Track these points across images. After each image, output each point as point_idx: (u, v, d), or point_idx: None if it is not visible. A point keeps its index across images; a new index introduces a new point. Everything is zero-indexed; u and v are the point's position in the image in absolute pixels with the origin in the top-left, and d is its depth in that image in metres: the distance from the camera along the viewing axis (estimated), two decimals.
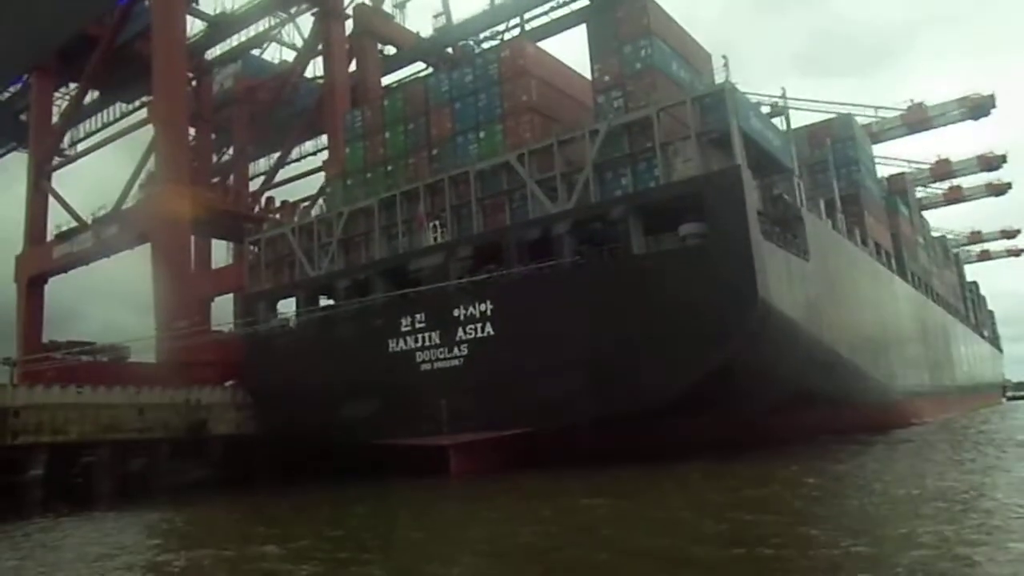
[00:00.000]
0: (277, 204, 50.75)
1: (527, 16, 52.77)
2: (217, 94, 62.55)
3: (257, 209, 48.95)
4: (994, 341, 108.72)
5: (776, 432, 27.34)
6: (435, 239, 31.85)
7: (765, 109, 32.21)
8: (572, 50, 35.47)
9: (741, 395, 25.21)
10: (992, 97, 69.62)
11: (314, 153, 68.61)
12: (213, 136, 64.57)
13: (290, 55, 60.45)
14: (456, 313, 29.48)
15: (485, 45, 55.41)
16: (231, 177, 59.96)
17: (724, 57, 27.33)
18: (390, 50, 57.59)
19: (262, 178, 65.00)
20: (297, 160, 68.49)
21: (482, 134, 31.84)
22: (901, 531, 11.83)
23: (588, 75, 31.90)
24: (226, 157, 67.50)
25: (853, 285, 36.74)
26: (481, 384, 28.11)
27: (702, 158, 25.85)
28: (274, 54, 64.30)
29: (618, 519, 14.96)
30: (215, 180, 57.17)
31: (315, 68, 57.22)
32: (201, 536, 18.35)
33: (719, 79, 28.22)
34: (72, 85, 56.23)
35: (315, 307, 35.85)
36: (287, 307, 38.40)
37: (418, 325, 30.72)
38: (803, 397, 28.85)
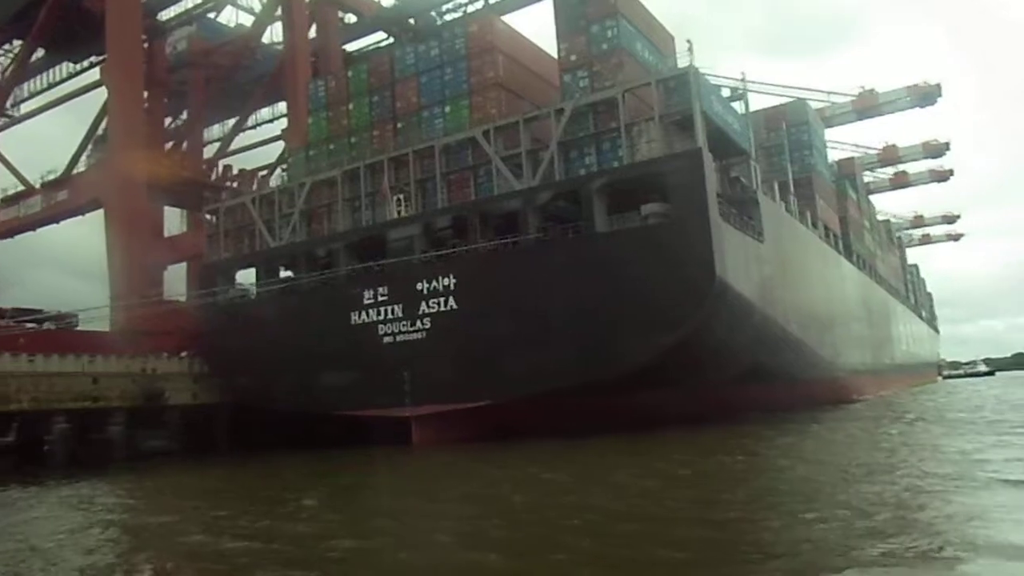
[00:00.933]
0: (234, 172, 49.98)
1: None
2: (170, 56, 60.84)
3: (214, 177, 48.17)
4: (931, 322, 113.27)
5: (731, 405, 28.43)
6: (399, 212, 31.97)
7: (725, 92, 32.96)
8: (538, 26, 35.65)
9: (698, 369, 26.15)
10: (939, 87, 71.99)
11: (271, 121, 67.43)
12: (165, 100, 62.85)
13: (246, 19, 59.07)
14: (419, 287, 29.74)
15: (448, 16, 55.14)
16: (184, 143, 58.56)
17: (688, 41, 27.91)
18: (350, 18, 56.81)
19: (216, 144, 63.86)
20: (253, 127, 67.27)
21: (448, 108, 31.90)
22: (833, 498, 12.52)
23: (554, 54, 32.12)
24: (177, 122, 66.07)
25: (803, 266, 38.08)
26: (443, 357, 28.52)
27: (665, 139, 26.50)
28: (230, 17, 62.76)
29: (566, 491, 15.37)
30: (169, 145, 55.74)
31: (272, 34, 56.29)
32: (143, 507, 18.32)
33: (682, 62, 28.81)
34: (16, 42, 54.14)
35: (278, 278, 35.69)
36: (246, 277, 38.24)
37: (381, 298, 30.89)
38: (755, 372, 30.00)
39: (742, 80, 34.74)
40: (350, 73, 36.40)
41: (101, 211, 42.25)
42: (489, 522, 12.42)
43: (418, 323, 29.85)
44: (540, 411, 26.13)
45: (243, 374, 33.50)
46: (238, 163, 56.41)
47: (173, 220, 55.53)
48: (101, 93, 48.97)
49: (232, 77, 53.94)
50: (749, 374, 29.67)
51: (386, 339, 30.61)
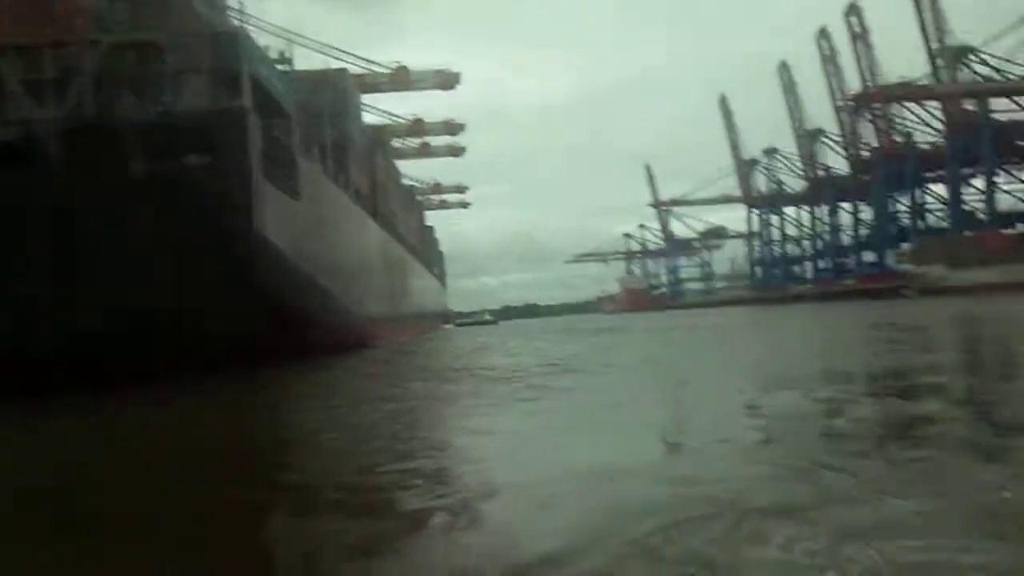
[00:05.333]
0: None
1: None
2: None
3: None
4: (441, 277, 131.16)
5: (270, 350, 30.48)
6: None
7: (273, 54, 34.64)
8: None
9: (236, 314, 27.79)
10: (458, 75, 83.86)
11: None
12: None
13: None
14: None
15: None
16: None
17: (241, 1, 28.84)
18: None
19: None
20: None
21: None
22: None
23: None
24: None
25: (335, 224, 42.11)
26: None
27: (211, 94, 27.20)
28: None
29: None
30: None
31: None
32: None
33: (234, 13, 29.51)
34: None
35: None
36: None
37: None
38: (290, 320, 32.74)
39: (289, 43, 36.77)
40: None
41: None
42: None
43: None
44: (62, 357, 24.95)
45: None
46: None
47: None
48: None
49: None
50: (285, 318, 32.21)
51: None
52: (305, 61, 46.68)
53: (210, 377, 25.63)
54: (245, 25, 29.38)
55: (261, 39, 35.56)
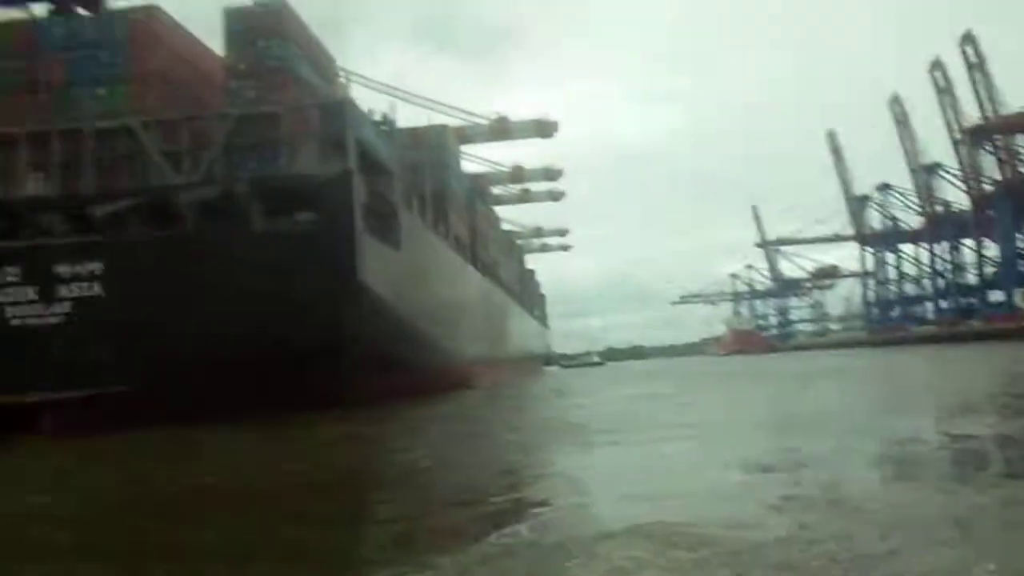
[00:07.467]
0: None
1: None
2: None
3: None
4: (542, 319, 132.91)
5: (373, 392, 32.50)
6: (37, 190, 30.66)
7: (377, 115, 37.63)
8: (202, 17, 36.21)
9: (341, 359, 30.04)
10: (556, 124, 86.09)
11: None
12: None
13: None
14: (59, 270, 29.13)
15: None
16: None
17: (347, 77, 31.89)
18: None
19: None
20: None
21: (102, 91, 31.42)
22: None
23: (218, 50, 33.60)
24: None
25: (435, 272, 44.46)
26: (82, 342, 28.36)
27: (321, 157, 30.07)
28: None
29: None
30: None
31: None
32: None
33: (342, 80, 32.49)
34: None
35: None
36: None
37: (10, 279, 29.46)
38: (392, 362, 34.81)
39: (392, 102, 39.74)
40: None
41: None
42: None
43: (55, 307, 29.22)
44: (183, 397, 27.56)
45: None
46: None
47: None
48: None
49: None
50: (388, 363, 34.23)
51: (14, 321, 29.32)
52: (409, 112, 49.79)
53: (313, 415, 27.72)
54: (352, 83, 32.34)
55: (367, 95, 38.63)
